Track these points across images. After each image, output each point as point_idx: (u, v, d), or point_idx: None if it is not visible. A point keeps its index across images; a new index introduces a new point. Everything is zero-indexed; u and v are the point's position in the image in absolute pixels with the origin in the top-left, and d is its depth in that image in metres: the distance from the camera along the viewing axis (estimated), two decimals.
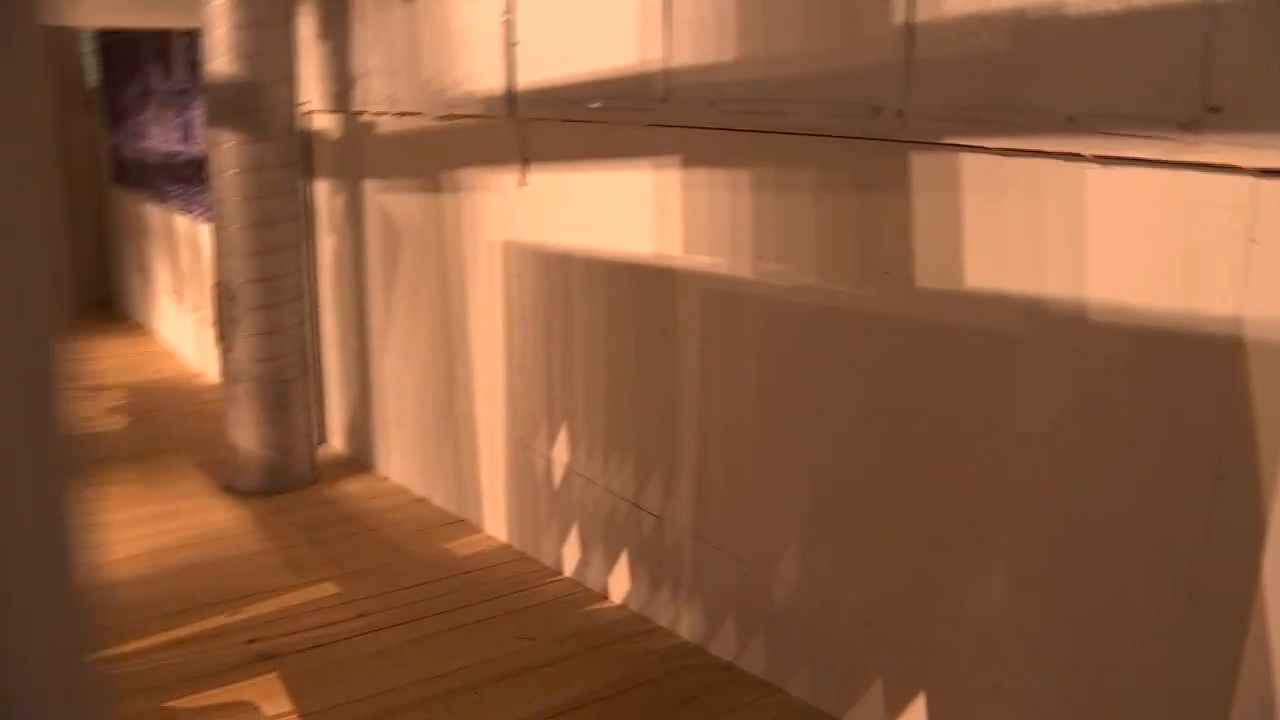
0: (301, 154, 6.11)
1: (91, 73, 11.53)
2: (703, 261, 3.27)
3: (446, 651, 3.75)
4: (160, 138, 8.85)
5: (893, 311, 2.67)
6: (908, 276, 2.59)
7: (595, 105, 3.66)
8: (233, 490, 5.59)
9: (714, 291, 3.26)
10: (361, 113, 5.47)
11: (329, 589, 4.26)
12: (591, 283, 3.92)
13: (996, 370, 2.46)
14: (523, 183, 4.20)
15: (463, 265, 4.74)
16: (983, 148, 2.34)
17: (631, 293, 3.69)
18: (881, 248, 2.66)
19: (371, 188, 5.54)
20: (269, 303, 5.33)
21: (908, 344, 2.65)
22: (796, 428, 3.03)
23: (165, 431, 6.97)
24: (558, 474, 4.23)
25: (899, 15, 2.47)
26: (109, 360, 9.60)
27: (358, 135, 5.60)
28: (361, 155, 5.60)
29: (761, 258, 3.04)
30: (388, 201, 5.40)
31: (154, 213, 9.80)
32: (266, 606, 4.10)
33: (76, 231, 12.19)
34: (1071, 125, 2.22)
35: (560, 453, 4.20)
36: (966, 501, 2.58)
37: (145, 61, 8.85)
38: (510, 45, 4.11)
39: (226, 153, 5.17)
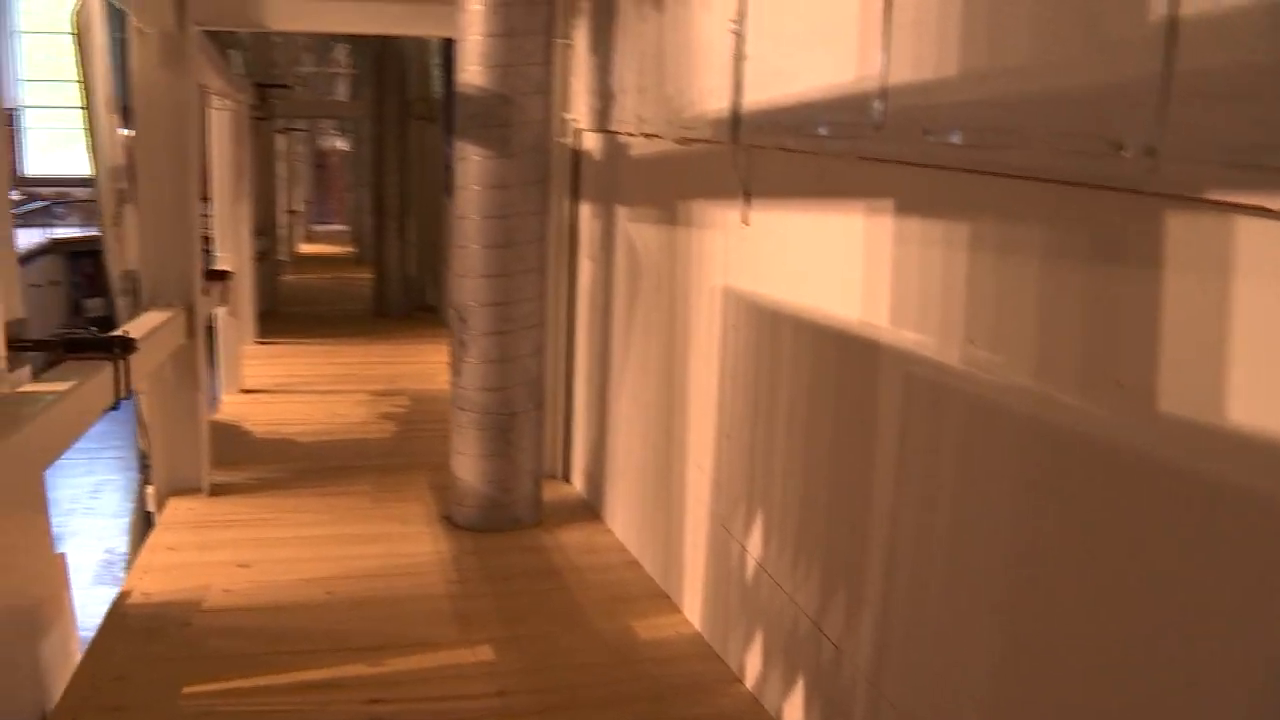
0: (570, 174, 5.80)
1: (437, 84, 11.96)
2: (908, 339, 2.53)
3: None
4: None
5: (1125, 441, 1.84)
6: (1149, 393, 1.76)
7: (820, 131, 2.99)
8: (449, 522, 5.32)
9: (917, 378, 2.51)
10: (617, 132, 5.04)
11: (483, 653, 3.82)
12: (798, 348, 3.25)
13: (1274, 548, 1.59)
14: (745, 220, 3.59)
15: (688, 309, 4.18)
16: (1271, 210, 1.51)
17: (835, 366, 2.99)
18: (1116, 347, 1.84)
19: (623, 214, 5.10)
20: (501, 329, 5.00)
21: (1143, 489, 1.81)
22: (993, 567, 2.23)
23: (421, 446, 6.88)
24: (750, 566, 3.57)
25: (1157, 3, 1.67)
26: (411, 364, 9.81)
27: (615, 156, 5.19)
28: (617, 178, 5.18)
29: (972, 342, 2.26)
30: (633, 231, 4.94)
31: None
32: (410, 662, 3.72)
33: (416, 237, 12.71)
34: None
35: (754, 543, 3.54)
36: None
37: None
38: (738, 59, 3.51)
39: (470, 167, 4.90)
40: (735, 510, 3.71)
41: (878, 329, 2.69)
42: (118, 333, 3.88)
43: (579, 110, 5.65)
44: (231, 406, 8.00)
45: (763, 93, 3.40)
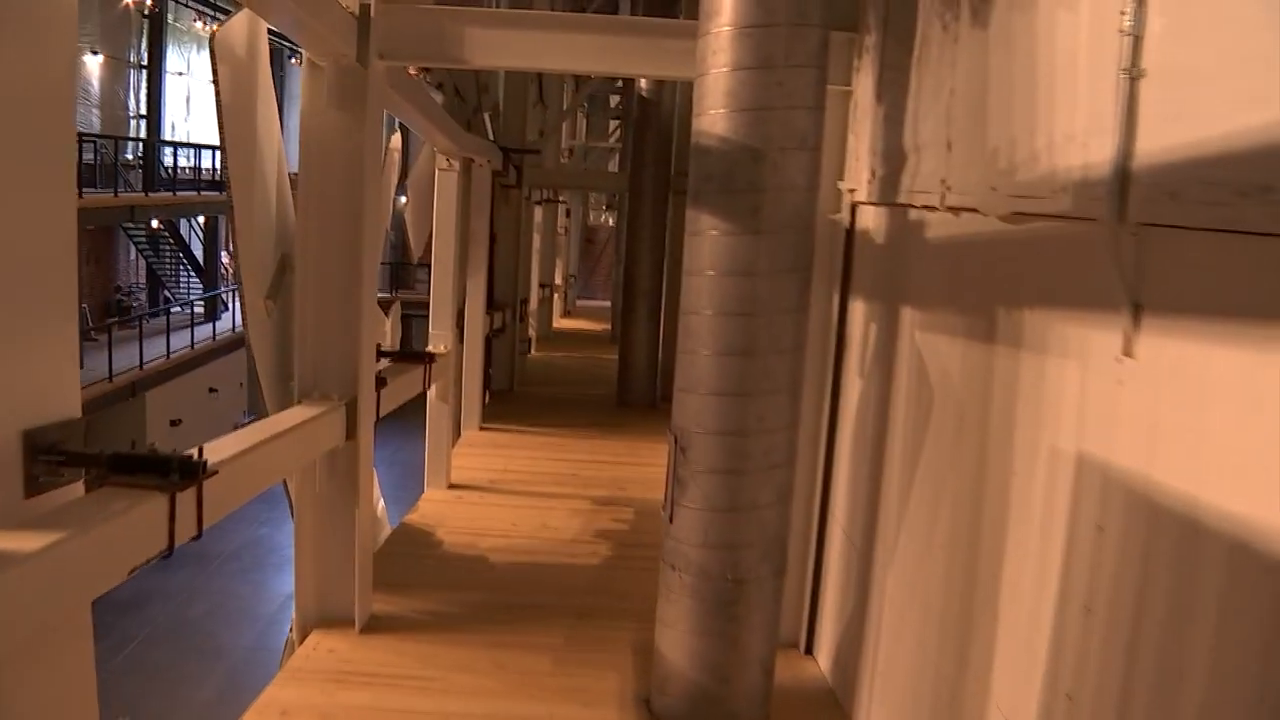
0: (841, 261, 4.42)
1: None
2: None
3: None
4: None
5: None
6: None
7: None
8: (647, 709, 3.98)
9: None
10: (909, 205, 3.64)
11: None
12: (1238, 590, 1.74)
13: None
14: (1128, 351, 2.11)
15: (1007, 474, 2.70)
16: None
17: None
18: None
19: (911, 320, 3.67)
20: (733, 466, 3.64)
21: None
22: None
23: (634, 583, 5.57)
24: None
25: None
26: (643, 466, 8.54)
27: (904, 238, 3.78)
28: (906, 269, 3.76)
29: None
30: (926, 345, 3.49)
31: None
32: None
33: (665, 319, 11.61)
34: None
35: None
36: None
37: None
38: (1133, 76, 2.06)
39: (703, 246, 3.61)
40: None
41: None
42: (190, 451, 2.79)
43: (856, 177, 4.28)
44: (430, 506, 6.98)
45: (1181, 130, 1.93)
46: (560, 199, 19.62)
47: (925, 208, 3.42)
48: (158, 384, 19.68)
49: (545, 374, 13.69)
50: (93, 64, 22.49)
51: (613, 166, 26.26)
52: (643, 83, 10.98)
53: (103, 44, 22.38)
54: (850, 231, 4.40)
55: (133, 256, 24.55)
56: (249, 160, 4.06)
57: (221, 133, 3.66)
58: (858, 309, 4.33)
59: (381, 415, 4.94)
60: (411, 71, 6.70)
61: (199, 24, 25.55)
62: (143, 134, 24.49)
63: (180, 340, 20.76)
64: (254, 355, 4.14)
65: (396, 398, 5.35)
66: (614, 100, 26.44)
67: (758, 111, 3.47)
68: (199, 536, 2.83)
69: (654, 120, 11.01)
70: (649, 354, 11.28)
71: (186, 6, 25.43)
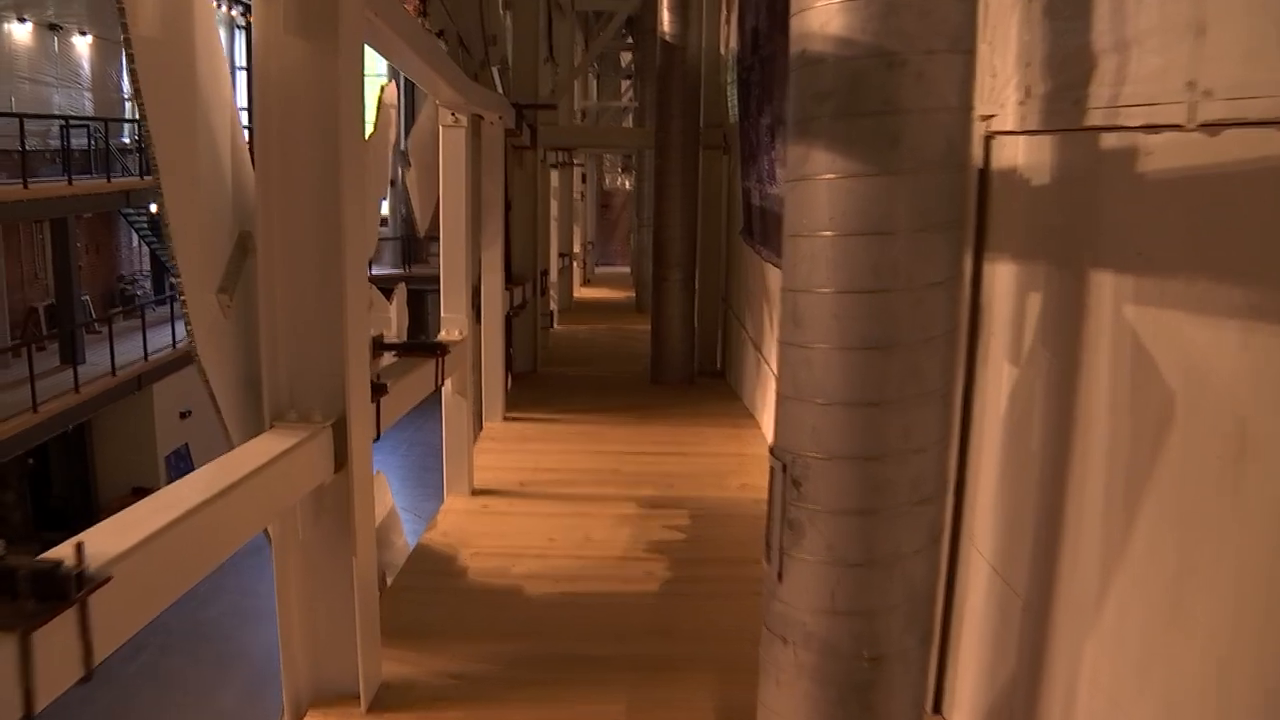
0: (975, 211, 3.35)
1: (733, 106, 9.76)
2: None
3: None
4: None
5: None
6: None
7: None
8: None
9: None
10: (1104, 128, 2.54)
11: None
12: None
13: None
14: None
15: None
16: None
17: None
18: None
19: (1111, 288, 2.58)
20: (868, 505, 2.59)
21: None
22: None
23: (707, 620, 4.57)
24: None
25: None
26: (692, 456, 7.54)
27: (1090, 176, 2.68)
28: (1097, 217, 2.67)
29: None
30: (1151, 324, 2.41)
31: (775, 279, 7.58)
32: None
33: (702, 288, 10.56)
34: None
35: None
36: None
37: (779, 78, 6.63)
38: None
39: (816, 193, 2.54)
40: None
41: None
42: (62, 551, 1.76)
43: (995, 97, 3.20)
44: (450, 520, 5.96)
45: None
46: (577, 162, 18.53)
47: (1147, 128, 2.33)
48: (165, 375, 18.74)
49: (570, 351, 12.66)
50: (82, 45, 21.41)
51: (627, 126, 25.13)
52: (666, 26, 9.85)
53: (91, 24, 21.27)
54: (985, 171, 3.32)
55: (135, 243, 23.55)
56: (183, 110, 2.99)
57: (133, 73, 2.61)
58: (1002, 274, 3.26)
59: (384, 430, 3.91)
60: (409, 8, 5.63)
61: None
62: (137, 116, 23.41)
63: None
64: (205, 370, 3.09)
65: (401, 405, 4.30)
66: (625, 60, 25.33)
67: (893, 5, 2.39)
68: (88, 679, 1.81)
69: (678, 67, 9.88)
70: (684, 326, 10.21)
71: None
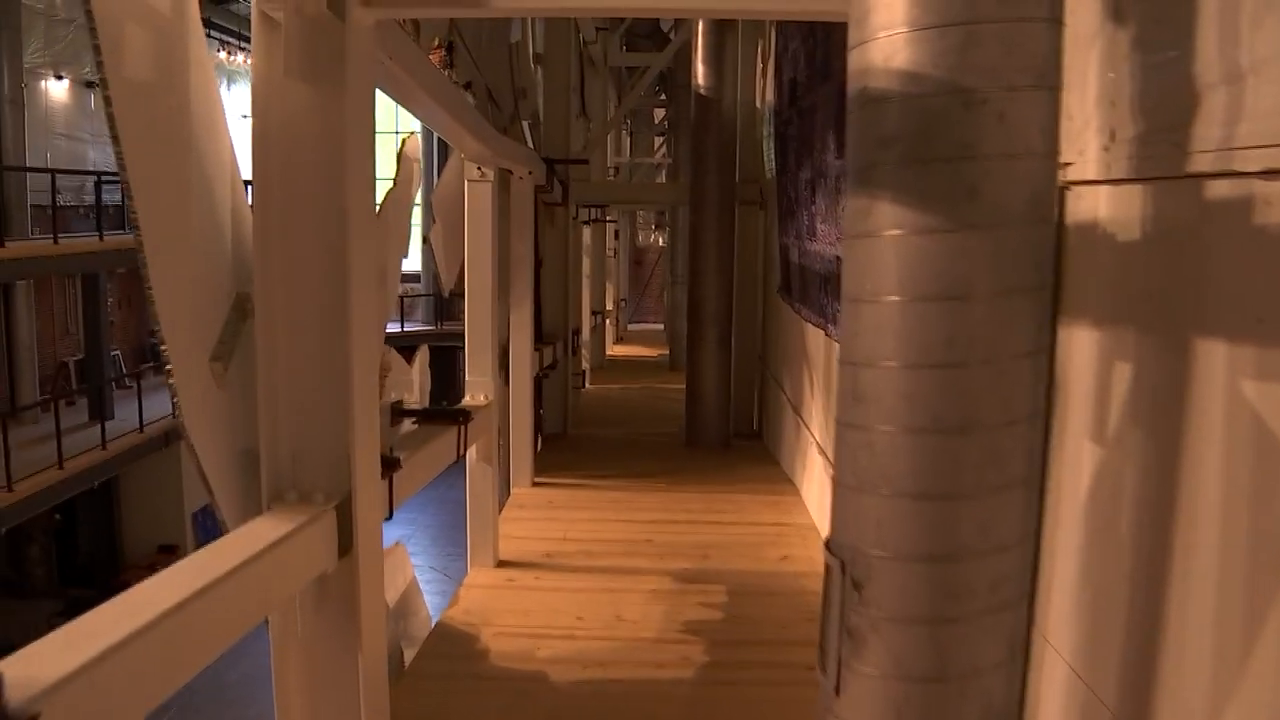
0: (1052, 270, 3.00)
1: (770, 160, 9.50)
2: None
3: None
4: (826, 238, 6.27)
5: None
6: None
7: None
8: None
9: None
10: (1213, 174, 2.21)
11: None
12: None
13: None
14: None
15: None
16: None
17: None
18: None
19: (1225, 357, 2.23)
20: (941, 614, 2.23)
21: None
22: None
23: (752, 695, 4.20)
24: None
25: None
26: (728, 525, 7.17)
27: (1194, 230, 2.34)
28: (1203, 278, 2.32)
29: None
30: (1275, 399, 2.06)
31: (815, 339, 7.26)
32: None
33: (739, 347, 10.24)
34: None
35: None
36: None
37: (819, 130, 6.35)
38: None
39: (881, 252, 2.21)
40: None
41: None
42: None
43: (1073, 142, 2.88)
44: (473, 596, 5.62)
45: None
46: (610, 219, 18.34)
47: (1268, 174, 2.00)
48: None
49: (602, 411, 12.34)
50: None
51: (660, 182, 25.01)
52: (700, 79, 9.64)
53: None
54: (1060, 225, 2.99)
55: None
56: (172, 160, 2.72)
57: (110, 118, 2.33)
58: (1080, 342, 2.91)
59: (396, 508, 3.59)
60: (433, 58, 5.39)
61: None
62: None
63: None
64: (195, 447, 2.78)
65: (418, 479, 3.98)
66: (659, 115, 25.29)
67: (966, 28, 2.08)
68: None
69: (714, 120, 9.66)
70: (719, 387, 9.86)
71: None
